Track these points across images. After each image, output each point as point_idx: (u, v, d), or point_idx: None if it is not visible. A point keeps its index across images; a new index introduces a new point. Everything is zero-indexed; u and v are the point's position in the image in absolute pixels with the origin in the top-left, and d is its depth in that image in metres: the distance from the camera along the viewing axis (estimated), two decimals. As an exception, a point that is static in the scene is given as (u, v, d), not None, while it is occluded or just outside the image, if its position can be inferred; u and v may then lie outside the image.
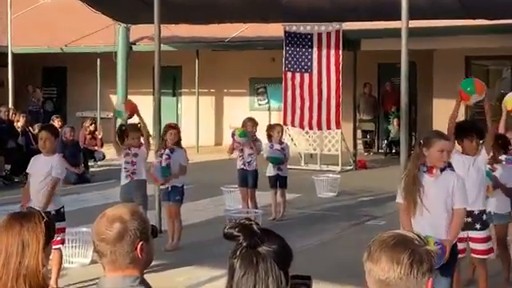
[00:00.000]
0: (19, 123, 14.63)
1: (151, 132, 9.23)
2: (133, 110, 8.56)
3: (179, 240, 8.59)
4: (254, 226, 2.26)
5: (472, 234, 6.11)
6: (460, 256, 6.09)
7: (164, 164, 8.52)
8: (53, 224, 3.05)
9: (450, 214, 5.17)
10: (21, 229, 2.88)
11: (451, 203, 5.15)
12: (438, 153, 5.08)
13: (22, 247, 2.85)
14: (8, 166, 14.07)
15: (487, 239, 6.24)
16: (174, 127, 8.80)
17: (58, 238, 6.63)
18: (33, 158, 7.07)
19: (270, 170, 10.36)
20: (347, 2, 13.27)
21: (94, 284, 2.64)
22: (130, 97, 18.17)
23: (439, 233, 5.06)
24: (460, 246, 5.98)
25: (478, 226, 6.11)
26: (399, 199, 5.25)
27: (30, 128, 14.89)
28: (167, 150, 8.56)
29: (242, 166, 10.04)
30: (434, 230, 5.04)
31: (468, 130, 6.12)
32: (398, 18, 8.07)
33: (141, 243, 2.56)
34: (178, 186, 8.63)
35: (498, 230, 6.76)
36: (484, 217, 6.20)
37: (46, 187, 6.76)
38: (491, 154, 6.58)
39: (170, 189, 8.63)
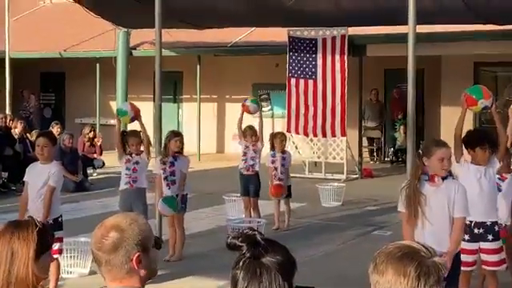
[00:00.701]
0: (17, 130, 14.66)
1: (152, 139, 9.22)
2: (137, 112, 8.54)
3: (181, 250, 8.58)
4: (258, 236, 2.26)
5: (484, 245, 6.11)
6: (470, 268, 6.10)
7: (169, 173, 8.52)
8: (48, 233, 3.06)
9: (452, 223, 5.19)
10: (11, 237, 2.90)
11: (453, 212, 5.16)
12: (438, 161, 5.10)
13: (11, 255, 2.87)
14: (5, 174, 14.08)
15: (499, 250, 6.24)
16: (178, 135, 8.80)
17: (56, 248, 6.63)
18: (29, 166, 7.06)
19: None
20: (353, 6, 13.28)
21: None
22: (130, 103, 18.23)
23: (442, 244, 5.06)
24: (470, 258, 5.98)
25: (490, 238, 6.10)
26: (401, 208, 5.25)
27: (27, 135, 14.92)
28: (171, 158, 8.56)
29: (245, 171, 10.06)
30: (436, 241, 5.03)
31: (481, 139, 6.12)
32: (405, 23, 8.08)
33: (137, 254, 2.54)
34: (182, 194, 8.63)
35: (508, 241, 6.74)
36: (496, 228, 6.19)
37: (42, 196, 6.76)
38: (502, 162, 6.58)
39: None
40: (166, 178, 8.53)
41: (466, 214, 5.23)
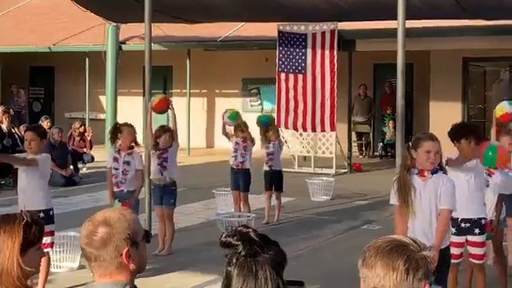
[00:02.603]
0: (3, 125, 14.59)
1: (141, 134, 9.19)
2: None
3: (171, 244, 8.57)
4: (252, 234, 2.25)
5: (471, 238, 6.14)
6: (457, 261, 6.13)
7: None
8: (36, 227, 3.03)
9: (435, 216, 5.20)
10: None
11: (439, 204, 5.18)
12: (424, 154, 5.10)
13: None
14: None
15: (483, 244, 6.27)
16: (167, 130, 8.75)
17: (48, 242, 6.62)
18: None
19: (264, 165, 10.42)
20: (343, 1, 13.29)
21: (83, 289, 2.63)
22: (119, 97, 18.21)
23: (429, 237, 5.08)
24: (457, 250, 6.00)
25: (476, 231, 6.12)
26: (393, 201, 5.27)
27: (16, 129, 14.85)
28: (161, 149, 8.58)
29: (234, 166, 10.07)
30: (424, 234, 5.07)
31: (466, 132, 6.11)
32: (394, 18, 8.09)
33: (126, 249, 2.53)
34: (171, 189, 8.61)
35: (494, 236, 6.77)
36: (482, 221, 6.21)
37: (30, 186, 6.76)
38: None
39: (163, 191, 8.59)
40: (160, 164, 8.52)
41: (451, 207, 5.21)
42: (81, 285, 6.71)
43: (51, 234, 6.82)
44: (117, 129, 8.30)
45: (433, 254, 2.13)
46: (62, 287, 7.06)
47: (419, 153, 5.12)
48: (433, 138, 5.21)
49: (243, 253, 2.20)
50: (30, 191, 6.81)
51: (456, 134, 6.10)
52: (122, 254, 2.53)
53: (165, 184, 8.57)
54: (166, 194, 8.56)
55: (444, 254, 5.25)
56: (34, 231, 2.99)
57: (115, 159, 8.13)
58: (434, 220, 5.16)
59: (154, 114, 8.94)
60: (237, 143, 10.13)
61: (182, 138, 18.51)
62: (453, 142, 6.14)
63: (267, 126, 10.76)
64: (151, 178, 8.78)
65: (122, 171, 8.08)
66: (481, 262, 6.28)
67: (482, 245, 6.18)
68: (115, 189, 8.10)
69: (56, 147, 13.54)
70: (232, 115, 10.21)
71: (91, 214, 2.63)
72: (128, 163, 8.08)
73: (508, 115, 7.52)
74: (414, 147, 5.15)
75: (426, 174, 5.15)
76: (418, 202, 5.13)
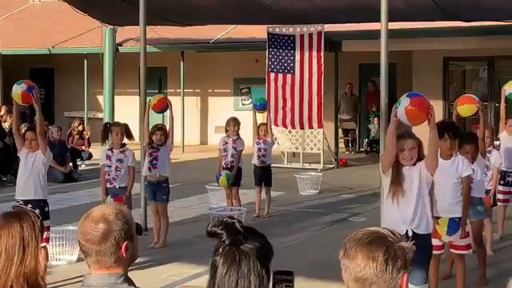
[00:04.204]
0: (6, 123, 14.53)
1: (136, 131, 9.15)
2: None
3: (165, 237, 8.56)
4: (237, 224, 2.25)
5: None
6: (439, 252, 6.14)
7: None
8: (42, 224, 3.01)
9: (422, 200, 5.21)
10: (21, 228, 2.81)
11: (424, 189, 5.19)
12: (399, 152, 5.12)
13: (23, 247, 2.78)
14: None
15: (466, 235, 6.27)
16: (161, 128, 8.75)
17: (44, 236, 6.60)
18: (22, 151, 7.04)
19: (255, 159, 10.42)
20: (328, 4, 13.30)
21: (81, 281, 2.62)
22: (116, 97, 18.17)
23: (408, 213, 5.17)
24: (438, 241, 6.01)
25: (459, 223, 6.12)
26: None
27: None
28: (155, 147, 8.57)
29: (225, 166, 10.05)
30: (403, 210, 5.16)
31: (441, 131, 6.07)
32: (378, 20, 8.10)
33: (125, 243, 2.54)
34: (163, 185, 8.60)
35: (475, 227, 6.79)
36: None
37: (31, 177, 6.82)
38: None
39: (155, 187, 8.59)
40: (150, 162, 8.52)
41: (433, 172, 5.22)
42: (79, 277, 6.69)
43: (47, 229, 6.82)
44: (107, 128, 8.30)
45: (411, 245, 2.13)
46: (62, 279, 7.03)
47: (396, 151, 5.13)
48: (404, 137, 5.17)
49: (227, 242, 2.20)
50: (31, 182, 6.83)
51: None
52: (121, 248, 2.53)
53: (157, 181, 8.56)
54: (159, 190, 8.56)
55: (427, 243, 5.26)
56: (43, 228, 2.96)
57: (108, 157, 8.11)
58: (412, 204, 5.18)
59: (151, 112, 8.93)
60: (226, 143, 10.09)
61: (176, 136, 18.61)
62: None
63: (263, 109, 10.87)
64: (143, 174, 8.79)
65: (115, 168, 8.06)
66: (462, 252, 6.29)
67: (464, 236, 6.18)
68: (108, 185, 8.08)
69: (55, 145, 13.49)
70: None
71: (89, 208, 2.62)
72: (120, 161, 8.06)
73: None
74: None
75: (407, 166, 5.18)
76: (402, 187, 5.16)
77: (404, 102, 5.06)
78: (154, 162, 8.53)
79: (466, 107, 7.08)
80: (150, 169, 8.56)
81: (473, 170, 6.46)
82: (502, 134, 8.58)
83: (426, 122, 5.09)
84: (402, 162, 5.14)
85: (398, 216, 5.17)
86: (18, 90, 6.88)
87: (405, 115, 5.02)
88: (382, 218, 5.51)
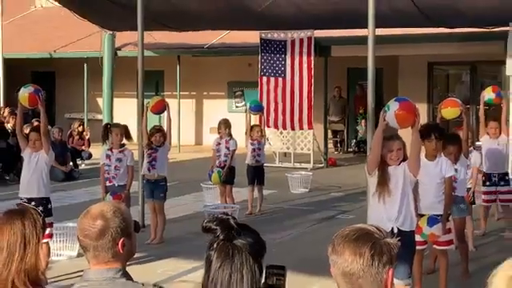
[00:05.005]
0: (9, 124, 14.49)
1: (135, 132, 9.14)
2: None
3: (162, 234, 8.56)
4: (231, 221, 2.26)
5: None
6: (422, 247, 6.15)
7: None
8: (44, 221, 3.01)
9: (407, 199, 5.22)
10: (22, 225, 2.80)
11: (408, 189, 5.20)
12: (388, 152, 5.14)
13: (24, 244, 2.77)
14: (-1, 165, 13.93)
15: (449, 231, 6.29)
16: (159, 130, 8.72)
17: (47, 233, 6.60)
18: (25, 151, 7.03)
19: (248, 159, 10.41)
20: (317, 11, 13.31)
21: (81, 275, 2.62)
22: (115, 99, 18.14)
23: (393, 211, 5.18)
24: (421, 237, 6.02)
25: (439, 219, 6.14)
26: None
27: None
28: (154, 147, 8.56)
29: (219, 165, 10.05)
30: (389, 209, 5.17)
31: (428, 132, 6.09)
32: (365, 27, 8.12)
33: (122, 239, 2.54)
34: (161, 184, 8.59)
35: (457, 224, 6.81)
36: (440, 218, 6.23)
37: (34, 175, 6.83)
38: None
39: (153, 186, 8.58)
40: (149, 162, 8.52)
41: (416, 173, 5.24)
42: (79, 271, 6.67)
43: (50, 225, 6.81)
44: (107, 129, 8.30)
45: (396, 241, 2.14)
46: (62, 274, 7.02)
47: (383, 152, 5.15)
48: (390, 139, 5.20)
49: (221, 237, 2.21)
50: (34, 180, 6.82)
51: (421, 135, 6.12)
52: (117, 244, 2.53)
53: (155, 179, 8.56)
54: (156, 188, 8.55)
55: (411, 239, 5.28)
56: (44, 225, 2.95)
57: (108, 156, 8.12)
58: (397, 201, 5.19)
59: (149, 114, 8.93)
60: (218, 143, 10.09)
61: (173, 136, 18.49)
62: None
63: (258, 110, 10.90)
64: (141, 173, 8.78)
65: (114, 167, 8.06)
66: (444, 248, 6.31)
67: (445, 232, 6.20)
68: (107, 183, 8.08)
69: (56, 145, 13.43)
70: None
71: (89, 206, 2.62)
72: (119, 160, 8.06)
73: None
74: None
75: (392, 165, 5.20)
76: (388, 187, 5.17)
77: (393, 106, 5.08)
78: (153, 162, 8.53)
79: (449, 110, 7.11)
80: (148, 169, 8.56)
81: (456, 170, 6.49)
82: (484, 138, 8.61)
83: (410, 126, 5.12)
84: (389, 162, 5.16)
85: (384, 214, 5.19)
86: (25, 92, 6.88)
87: (394, 119, 5.04)
88: (369, 216, 5.52)
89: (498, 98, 8.26)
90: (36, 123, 15.00)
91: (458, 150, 6.75)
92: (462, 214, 6.93)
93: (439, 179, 6.10)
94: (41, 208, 6.47)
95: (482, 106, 8.46)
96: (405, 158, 5.21)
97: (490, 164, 8.45)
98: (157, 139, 8.51)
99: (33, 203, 6.47)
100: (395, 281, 4.98)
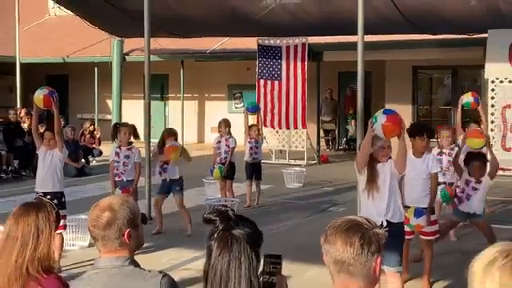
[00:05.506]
0: (25, 124, 14.47)
1: (142, 132, 9.12)
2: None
3: (191, 224, 8.43)
4: (230, 212, 2.26)
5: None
6: (409, 237, 6.16)
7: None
8: (58, 213, 3.01)
9: (394, 193, 5.21)
10: (36, 217, 2.81)
11: (394, 184, 5.19)
12: (379, 149, 5.14)
13: (37, 234, 2.78)
14: (16, 162, 13.92)
15: (434, 223, 6.29)
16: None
17: (61, 224, 6.60)
18: (40, 149, 7.01)
19: (247, 156, 10.39)
20: (311, 19, 13.31)
21: (92, 264, 2.62)
22: (123, 101, 18.12)
23: (382, 206, 5.17)
24: (408, 228, 6.02)
25: (425, 211, 6.14)
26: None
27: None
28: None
29: (220, 162, 10.04)
30: (378, 205, 5.15)
31: (421, 129, 6.12)
32: (355, 33, 8.12)
33: (128, 230, 2.53)
34: (176, 180, 8.55)
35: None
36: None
37: (51, 172, 6.83)
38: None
39: (168, 182, 8.51)
40: (161, 166, 8.51)
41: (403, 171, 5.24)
42: (90, 260, 6.68)
43: (64, 217, 6.81)
44: (116, 128, 8.28)
45: (384, 232, 2.14)
46: (75, 262, 7.01)
47: (375, 149, 5.16)
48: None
49: (221, 227, 2.21)
50: (49, 176, 6.81)
51: (413, 132, 6.11)
52: (123, 234, 2.52)
53: (170, 179, 8.52)
54: (173, 183, 8.50)
55: (400, 229, 5.28)
56: (58, 218, 2.96)
57: (117, 154, 8.11)
58: (385, 196, 5.18)
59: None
60: (219, 141, 10.08)
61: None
62: (410, 137, 6.16)
63: (254, 111, 10.91)
64: (154, 176, 8.71)
65: (123, 163, 8.05)
66: (430, 238, 6.31)
67: (432, 223, 6.20)
68: (116, 178, 8.07)
69: (69, 143, 13.43)
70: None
71: (99, 199, 2.62)
72: (127, 157, 8.05)
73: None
74: (372, 144, 5.16)
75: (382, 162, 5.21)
76: (377, 183, 5.17)
77: (380, 118, 5.07)
78: (165, 166, 8.49)
79: (475, 141, 6.83)
80: (160, 173, 8.51)
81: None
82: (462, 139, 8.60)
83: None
84: (380, 158, 5.16)
85: (374, 210, 5.18)
86: (40, 94, 6.80)
87: (381, 130, 5.04)
88: (360, 212, 5.52)
89: (476, 104, 8.26)
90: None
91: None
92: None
93: (425, 175, 6.11)
94: (55, 201, 6.46)
95: (459, 109, 8.46)
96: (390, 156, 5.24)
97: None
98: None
99: (48, 197, 6.46)
100: (387, 268, 5.00)
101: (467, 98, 8.24)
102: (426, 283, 6.21)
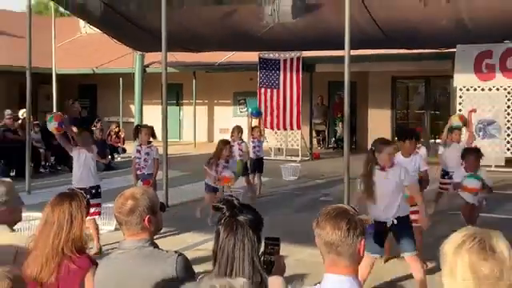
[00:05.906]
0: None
1: (159, 134, 9.08)
2: None
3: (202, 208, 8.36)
4: (235, 201, 2.27)
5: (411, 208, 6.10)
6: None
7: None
8: (88, 202, 3.02)
9: (399, 197, 5.07)
10: (70, 205, 2.83)
11: (401, 187, 5.05)
12: (387, 156, 4.96)
13: (70, 220, 2.80)
14: (53, 158, 13.93)
15: (415, 212, 6.24)
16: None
17: (97, 211, 6.66)
18: (73, 152, 7.03)
19: (251, 154, 10.35)
20: (305, 35, 13.31)
21: (118, 245, 2.62)
22: (144, 106, 18.10)
23: (391, 212, 5.03)
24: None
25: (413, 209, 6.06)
26: (358, 189, 5.13)
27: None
28: (223, 161, 8.37)
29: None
30: (387, 211, 5.00)
31: (410, 134, 6.17)
32: (342, 48, 8.11)
33: (148, 216, 2.54)
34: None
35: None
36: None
37: (84, 168, 6.86)
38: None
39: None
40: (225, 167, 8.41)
41: (413, 180, 5.21)
42: (116, 242, 6.67)
43: (99, 205, 6.83)
44: (137, 129, 8.29)
45: (367, 218, 2.15)
46: (103, 244, 7.02)
47: (382, 155, 4.95)
48: (391, 144, 5.11)
49: (227, 214, 2.22)
50: (85, 174, 6.83)
51: (402, 135, 6.10)
52: (144, 220, 2.53)
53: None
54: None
55: (407, 220, 5.19)
56: (88, 205, 2.97)
57: (138, 151, 8.12)
58: (394, 200, 5.04)
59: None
60: (232, 146, 9.97)
61: (190, 135, 18.54)
62: (399, 140, 6.13)
63: (258, 115, 10.88)
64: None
65: (144, 159, 8.06)
66: (418, 224, 6.23)
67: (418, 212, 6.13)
68: (138, 172, 8.08)
69: (98, 143, 13.40)
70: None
71: (123, 190, 2.62)
72: (148, 154, 8.06)
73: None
74: (377, 151, 4.96)
75: (386, 168, 5.00)
76: (380, 190, 4.97)
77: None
78: (225, 164, 8.29)
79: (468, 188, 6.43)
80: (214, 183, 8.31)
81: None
82: (452, 145, 8.54)
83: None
84: (386, 163, 4.97)
85: (383, 215, 5.05)
86: (51, 127, 6.91)
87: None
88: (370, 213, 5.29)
89: (463, 122, 8.46)
90: (99, 124, 15.01)
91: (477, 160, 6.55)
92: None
93: (413, 172, 6.00)
94: (93, 191, 6.55)
95: (446, 130, 8.47)
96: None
97: (451, 164, 8.36)
98: (225, 154, 8.24)
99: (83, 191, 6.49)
100: (406, 254, 4.96)
101: (457, 123, 8.34)
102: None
